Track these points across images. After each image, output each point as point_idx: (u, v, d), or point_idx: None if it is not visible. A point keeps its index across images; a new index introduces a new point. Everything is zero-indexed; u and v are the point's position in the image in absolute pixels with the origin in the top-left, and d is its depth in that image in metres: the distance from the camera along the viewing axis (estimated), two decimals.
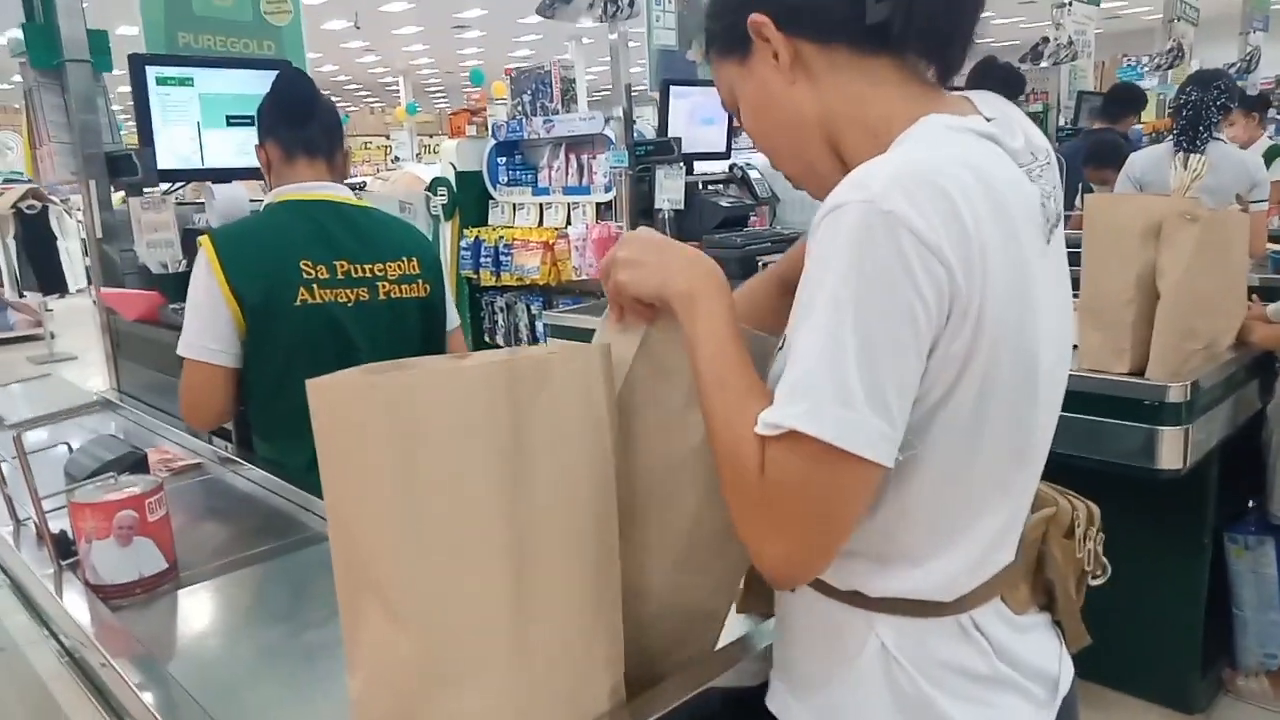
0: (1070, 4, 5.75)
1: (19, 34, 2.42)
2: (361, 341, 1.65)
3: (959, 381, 0.70)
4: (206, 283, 1.59)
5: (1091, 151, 4.08)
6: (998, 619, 0.80)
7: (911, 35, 0.77)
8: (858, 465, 0.67)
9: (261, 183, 1.90)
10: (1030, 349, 0.73)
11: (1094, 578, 0.89)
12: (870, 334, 0.65)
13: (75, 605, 1.15)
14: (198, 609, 1.23)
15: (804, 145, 0.83)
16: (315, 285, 1.62)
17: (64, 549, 1.23)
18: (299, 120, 1.70)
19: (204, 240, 1.61)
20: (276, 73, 1.80)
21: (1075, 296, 2.24)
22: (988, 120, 0.76)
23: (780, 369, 0.80)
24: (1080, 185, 3.98)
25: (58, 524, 1.24)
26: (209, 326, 1.60)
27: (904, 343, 0.66)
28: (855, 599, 0.79)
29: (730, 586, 0.96)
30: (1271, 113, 5.07)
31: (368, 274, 1.68)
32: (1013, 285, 0.70)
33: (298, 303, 1.60)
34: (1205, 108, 2.98)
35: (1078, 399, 2.26)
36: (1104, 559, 0.90)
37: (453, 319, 1.86)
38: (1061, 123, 5.65)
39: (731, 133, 4.43)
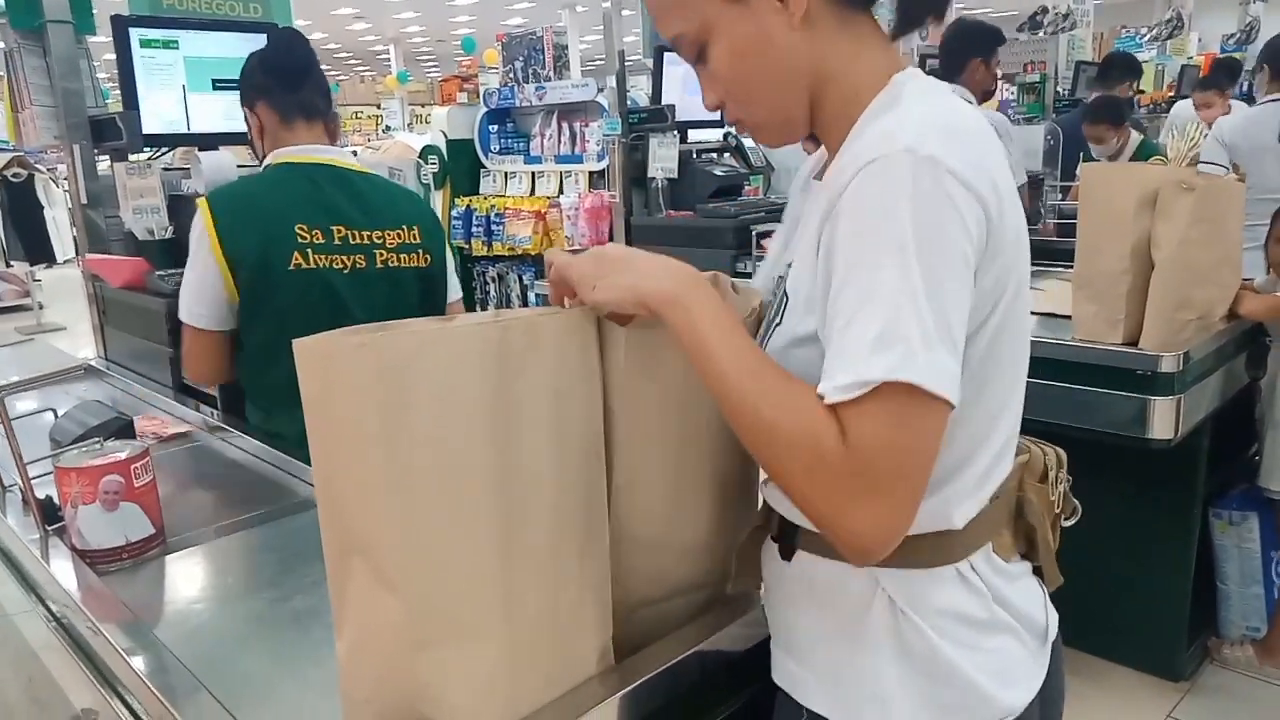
0: None
1: None
2: (357, 310, 1.63)
3: (990, 316, 0.73)
4: (201, 248, 1.58)
5: (1095, 105, 4.07)
6: (989, 567, 0.82)
7: (916, 5, 0.78)
8: (942, 407, 0.67)
9: (249, 149, 1.87)
10: (1026, 295, 0.79)
11: (1066, 519, 0.92)
12: (937, 275, 0.66)
13: (62, 571, 1.15)
14: (186, 575, 1.23)
15: (787, 94, 0.81)
16: (310, 250, 1.60)
17: (50, 515, 1.22)
18: (297, 82, 1.67)
19: (201, 202, 1.59)
20: (266, 36, 1.76)
21: (1069, 267, 2.24)
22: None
23: (774, 342, 0.81)
24: (1080, 155, 3.97)
25: (44, 490, 1.23)
26: (201, 292, 1.60)
27: (963, 280, 0.69)
28: None
29: (727, 519, 0.95)
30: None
31: (365, 241, 1.66)
32: (1018, 227, 0.75)
33: (291, 267, 1.58)
34: None
35: (1071, 369, 2.29)
36: (1074, 499, 0.92)
37: (455, 290, 1.83)
38: (1059, 92, 5.61)
39: None
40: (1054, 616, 0.89)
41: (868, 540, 0.69)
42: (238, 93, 1.74)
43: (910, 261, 0.66)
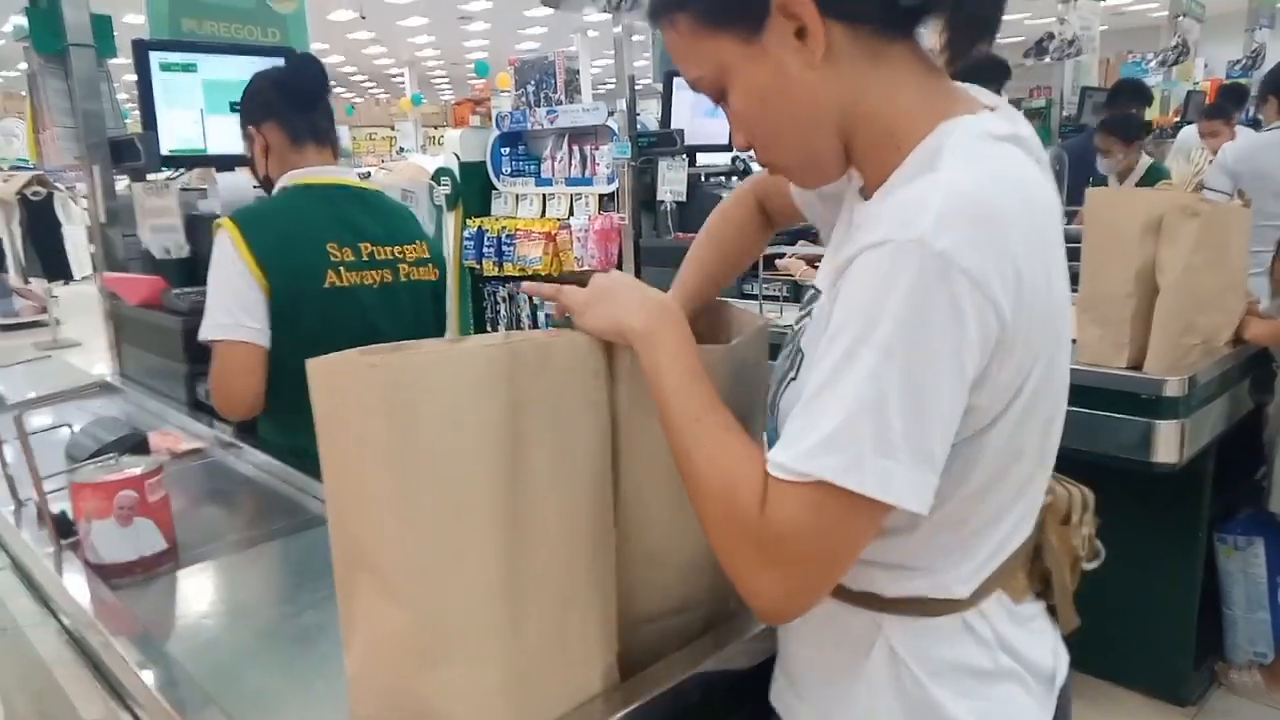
0: (1075, 0, 5.73)
1: (24, 20, 2.42)
2: (384, 325, 1.66)
3: (1008, 408, 0.69)
4: (234, 263, 1.54)
5: (1113, 120, 4.08)
6: (1000, 610, 0.79)
7: (964, 31, 0.72)
8: (878, 509, 0.65)
9: (249, 169, 1.88)
10: (1061, 361, 0.74)
11: (1088, 562, 0.89)
12: (919, 384, 0.63)
13: (75, 585, 1.16)
14: (197, 589, 1.24)
15: (813, 136, 0.76)
16: (342, 268, 1.63)
17: (64, 529, 1.24)
18: (311, 105, 1.70)
19: (225, 222, 1.58)
20: (283, 59, 1.80)
21: (1074, 291, 2.25)
22: (991, 110, 0.75)
23: (788, 396, 0.78)
24: (1088, 179, 3.99)
25: (59, 505, 1.25)
26: (241, 304, 1.54)
27: (951, 388, 0.64)
28: (867, 600, 0.78)
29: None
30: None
31: (389, 256, 1.69)
32: (1048, 304, 0.69)
33: (326, 285, 1.61)
34: None
35: (1076, 392, 2.23)
36: (1098, 543, 0.90)
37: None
38: (1066, 115, 5.64)
39: None
40: (1064, 660, 0.86)
41: (772, 609, 0.70)
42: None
43: (891, 368, 0.62)
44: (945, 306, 0.62)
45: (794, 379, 0.79)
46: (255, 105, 1.71)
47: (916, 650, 0.77)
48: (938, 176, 0.67)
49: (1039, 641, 0.83)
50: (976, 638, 0.78)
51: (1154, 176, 3.86)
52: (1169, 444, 2.02)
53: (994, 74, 3.20)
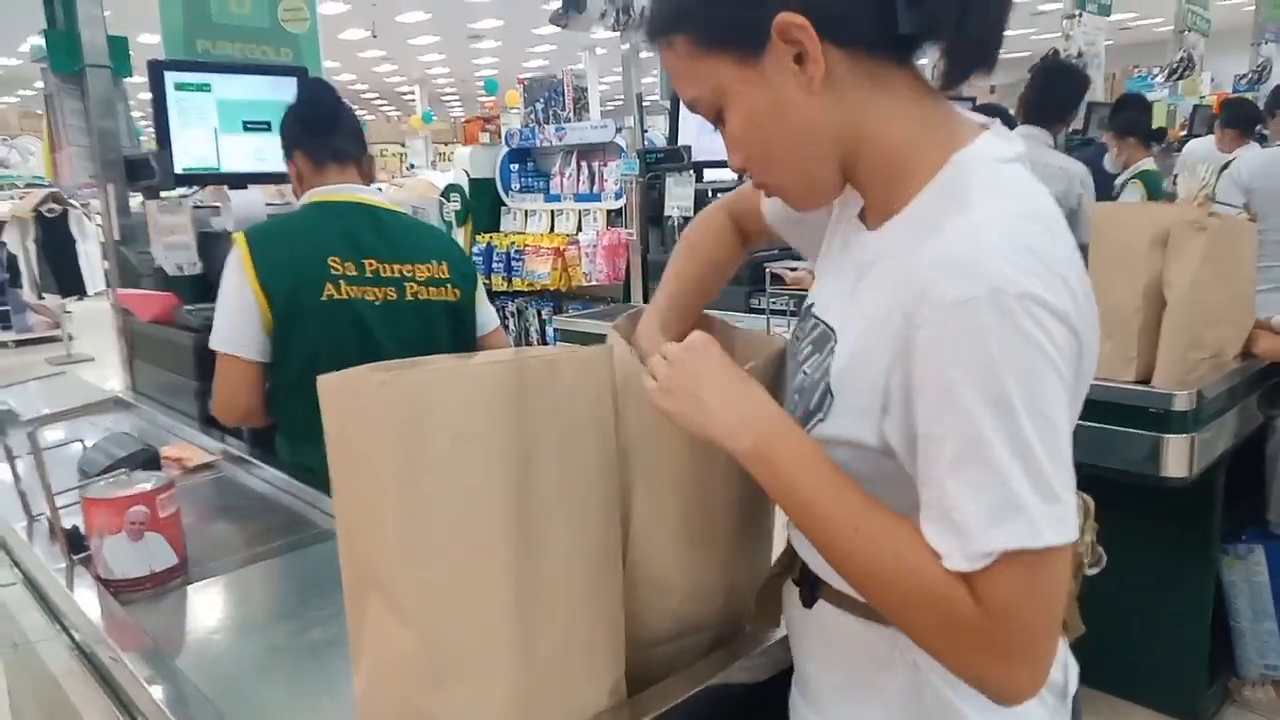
0: (1080, 15, 5.74)
1: (41, 41, 2.46)
2: (387, 342, 1.66)
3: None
4: (238, 278, 1.61)
5: (1126, 120, 4.10)
6: None
7: (963, 56, 0.72)
8: (1066, 551, 0.64)
9: (279, 187, 1.93)
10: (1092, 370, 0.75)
11: (1090, 568, 0.89)
12: (1048, 424, 0.63)
13: (86, 599, 1.17)
14: (207, 605, 1.24)
15: (809, 158, 0.76)
16: (343, 281, 1.64)
17: (76, 544, 1.25)
18: (326, 130, 1.74)
19: (239, 237, 1.64)
20: (295, 80, 1.83)
21: None
22: (987, 129, 0.75)
23: (841, 435, 0.74)
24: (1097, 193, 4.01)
25: (70, 520, 1.26)
26: (238, 321, 1.62)
27: (1065, 411, 0.65)
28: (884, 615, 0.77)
29: (741, 561, 0.95)
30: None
31: (396, 274, 1.70)
32: (1092, 310, 0.70)
33: (324, 298, 1.62)
34: None
35: (1084, 406, 2.27)
36: (1099, 549, 0.90)
37: (489, 321, 1.87)
38: (1071, 131, 5.63)
39: None
40: (1074, 671, 0.85)
41: (1012, 696, 0.67)
42: (267, 133, 1.81)
43: (1017, 419, 0.62)
44: (1041, 344, 0.63)
45: (822, 420, 0.76)
46: (287, 139, 1.78)
47: (939, 665, 0.76)
48: (977, 216, 0.67)
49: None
50: None
51: (1147, 180, 3.88)
52: (1178, 458, 2.01)
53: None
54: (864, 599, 0.72)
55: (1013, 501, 0.62)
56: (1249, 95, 6.44)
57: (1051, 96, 3.14)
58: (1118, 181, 4.02)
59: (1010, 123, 3.06)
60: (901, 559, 0.67)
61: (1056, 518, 0.63)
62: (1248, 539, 2.35)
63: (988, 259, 0.64)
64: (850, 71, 0.72)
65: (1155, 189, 3.92)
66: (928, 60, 0.76)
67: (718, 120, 0.79)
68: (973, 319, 0.63)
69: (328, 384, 0.75)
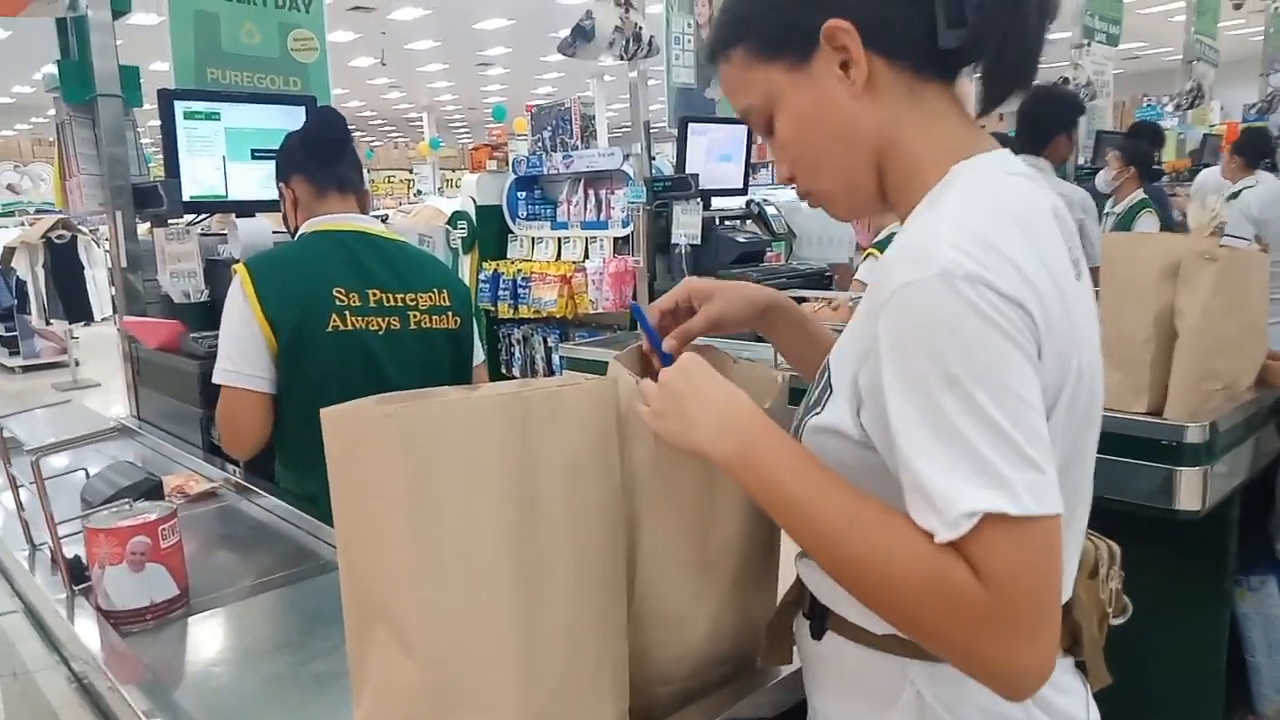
0: (1089, 44, 5.78)
1: (54, 70, 2.48)
2: (392, 371, 1.66)
3: (1048, 420, 0.69)
4: (241, 309, 1.61)
5: (1132, 145, 4.10)
6: None
7: (1002, 78, 0.75)
8: (1052, 522, 0.64)
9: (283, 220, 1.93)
10: (1091, 385, 0.75)
11: (1115, 617, 0.88)
12: (1005, 393, 0.64)
13: (86, 630, 1.16)
14: (208, 636, 1.23)
15: (853, 162, 0.80)
16: (348, 312, 1.64)
17: (77, 574, 1.24)
18: (335, 158, 1.75)
19: (240, 268, 1.63)
20: (303, 108, 1.84)
21: None
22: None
23: (832, 425, 0.76)
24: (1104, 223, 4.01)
25: (73, 549, 1.25)
26: (244, 352, 1.61)
27: (1031, 389, 0.65)
28: (892, 644, 0.77)
29: (748, 598, 0.94)
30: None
31: (399, 303, 1.70)
32: (1064, 312, 0.71)
33: (329, 329, 1.62)
34: None
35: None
36: (1125, 598, 0.89)
37: (478, 354, 1.88)
38: (1081, 162, 5.65)
39: (749, 169, 4.46)
40: (1095, 715, 0.83)
41: (1020, 681, 0.66)
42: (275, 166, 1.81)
43: (973, 391, 0.63)
44: (988, 320, 0.64)
45: (819, 412, 0.79)
46: (287, 163, 1.78)
47: (945, 695, 0.76)
48: (941, 211, 0.72)
49: (1070, 698, 0.81)
50: None
51: (1142, 208, 3.88)
52: (1191, 491, 1.98)
53: None
54: (865, 603, 0.71)
55: (981, 467, 0.63)
56: (1259, 124, 6.45)
57: (1036, 124, 3.17)
58: (1106, 210, 4.01)
59: (1016, 151, 3.07)
60: (897, 547, 0.67)
61: (1031, 483, 0.63)
62: (1261, 571, 2.31)
63: (938, 246, 0.67)
64: (892, 82, 0.77)
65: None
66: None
67: (768, 130, 0.84)
68: (923, 297, 0.66)
69: (333, 416, 0.75)
